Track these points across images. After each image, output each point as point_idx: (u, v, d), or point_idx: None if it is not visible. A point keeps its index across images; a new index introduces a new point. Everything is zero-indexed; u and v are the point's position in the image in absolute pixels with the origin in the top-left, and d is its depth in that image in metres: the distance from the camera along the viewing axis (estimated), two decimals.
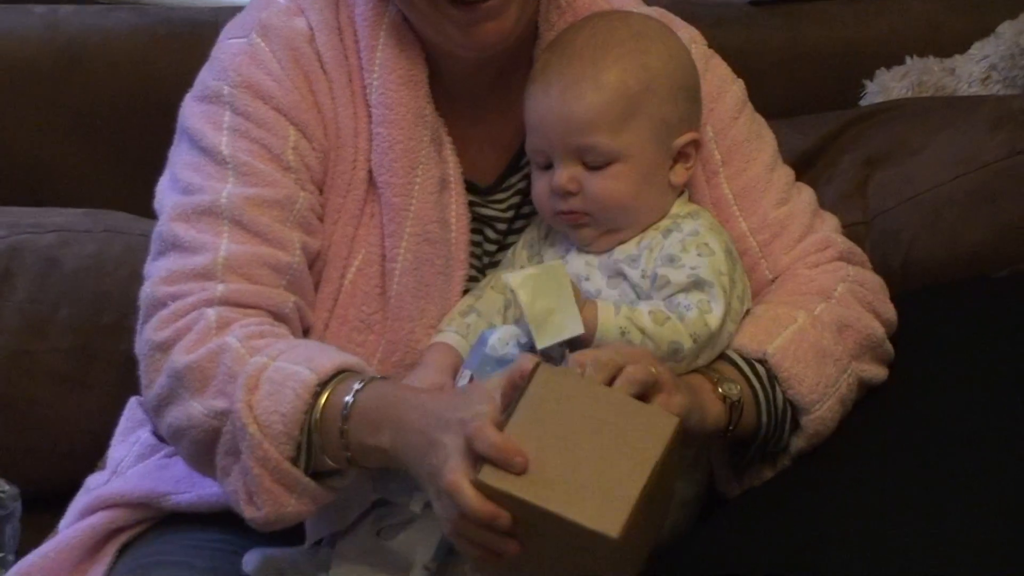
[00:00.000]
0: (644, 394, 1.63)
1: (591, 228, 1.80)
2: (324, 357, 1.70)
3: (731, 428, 1.75)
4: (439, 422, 1.58)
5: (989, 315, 2.00)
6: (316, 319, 1.86)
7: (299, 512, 1.69)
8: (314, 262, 1.84)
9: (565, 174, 1.77)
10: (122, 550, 1.89)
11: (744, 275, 1.85)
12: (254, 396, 1.67)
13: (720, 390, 1.74)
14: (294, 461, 1.67)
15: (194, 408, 1.71)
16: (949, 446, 1.77)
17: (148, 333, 1.75)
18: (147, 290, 1.78)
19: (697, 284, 1.77)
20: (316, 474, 1.69)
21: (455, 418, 1.56)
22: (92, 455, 2.07)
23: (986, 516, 1.65)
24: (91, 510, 1.90)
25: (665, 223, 1.81)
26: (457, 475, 1.51)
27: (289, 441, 1.66)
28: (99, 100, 2.50)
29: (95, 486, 1.95)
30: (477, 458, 1.52)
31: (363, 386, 1.67)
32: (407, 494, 1.71)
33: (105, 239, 2.28)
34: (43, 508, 2.09)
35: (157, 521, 1.89)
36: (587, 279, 1.79)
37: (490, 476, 1.50)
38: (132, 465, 1.94)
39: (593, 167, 1.78)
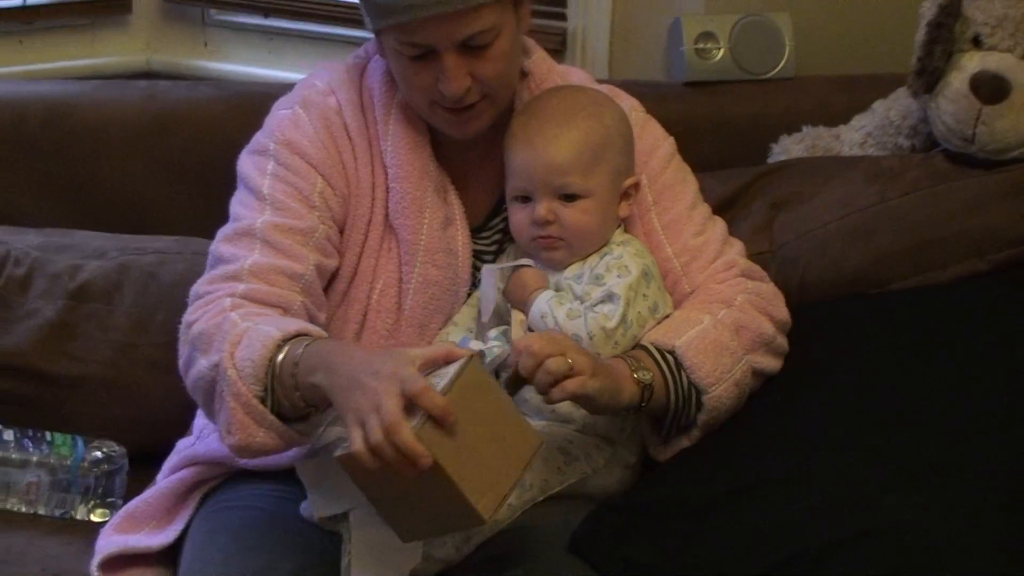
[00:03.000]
0: (562, 376, 1.78)
1: (561, 251, 1.97)
2: (292, 324, 1.81)
3: (643, 404, 1.90)
4: (368, 369, 1.66)
5: (865, 323, 2.20)
6: (348, 331, 1.99)
7: (266, 443, 1.81)
8: (333, 280, 1.98)
9: (545, 207, 1.94)
10: (204, 497, 2.08)
11: (662, 290, 1.99)
12: (235, 349, 1.80)
13: (636, 375, 1.88)
14: (262, 400, 1.79)
15: (202, 364, 1.84)
16: (832, 417, 1.97)
17: (185, 317, 1.91)
18: (192, 290, 1.94)
19: (608, 297, 1.91)
20: (285, 418, 1.80)
21: (385, 370, 1.65)
22: (181, 424, 2.24)
23: (856, 473, 1.85)
24: (180, 467, 2.10)
25: (604, 249, 1.98)
26: (398, 416, 1.62)
27: (257, 382, 1.78)
28: (187, 154, 2.61)
29: (183, 448, 2.14)
30: (411, 408, 1.63)
31: (312, 341, 1.78)
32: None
33: (193, 260, 2.41)
34: (144, 464, 2.27)
35: (231, 475, 2.07)
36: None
37: (427, 435, 1.62)
38: (212, 432, 2.08)
39: (567, 202, 1.94)
